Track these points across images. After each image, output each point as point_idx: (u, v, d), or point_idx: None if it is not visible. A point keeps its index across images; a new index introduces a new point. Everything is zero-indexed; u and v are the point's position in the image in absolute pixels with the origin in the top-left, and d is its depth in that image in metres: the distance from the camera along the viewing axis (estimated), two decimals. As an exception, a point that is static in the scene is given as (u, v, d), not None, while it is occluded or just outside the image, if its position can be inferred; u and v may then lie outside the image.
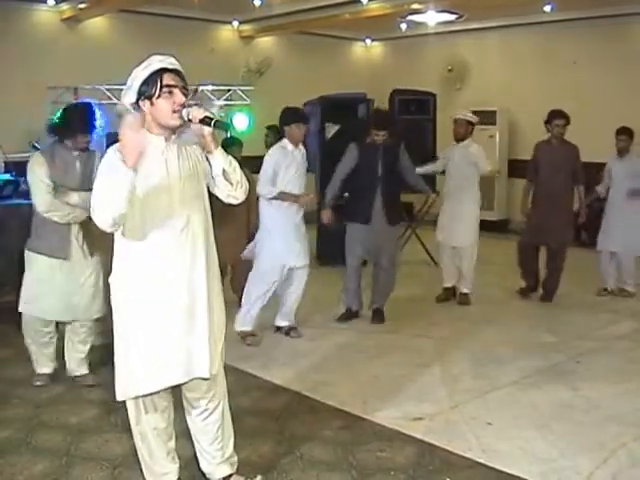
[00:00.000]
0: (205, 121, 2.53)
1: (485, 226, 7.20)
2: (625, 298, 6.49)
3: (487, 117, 9.48)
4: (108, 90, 7.40)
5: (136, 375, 2.67)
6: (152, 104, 2.56)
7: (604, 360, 4.85)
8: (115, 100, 7.11)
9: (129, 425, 2.85)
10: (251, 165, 5.03)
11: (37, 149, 5.31)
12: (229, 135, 6.17)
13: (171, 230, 2.63)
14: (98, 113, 4.00)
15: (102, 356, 4.28)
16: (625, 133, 6.42)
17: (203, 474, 3.03)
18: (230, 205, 2.85)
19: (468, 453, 3.42)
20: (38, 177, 3.94)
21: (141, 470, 2.92)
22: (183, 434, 3.06)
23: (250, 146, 6.42)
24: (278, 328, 5.34)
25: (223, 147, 2.70)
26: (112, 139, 2.64)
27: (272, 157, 4.99)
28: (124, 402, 2.79)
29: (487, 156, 6.31)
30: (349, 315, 5.72)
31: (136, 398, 2.75)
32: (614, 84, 9.16)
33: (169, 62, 2.59)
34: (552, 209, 6.09)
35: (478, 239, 6.26)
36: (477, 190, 6.22)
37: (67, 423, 3.74)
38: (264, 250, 5.05)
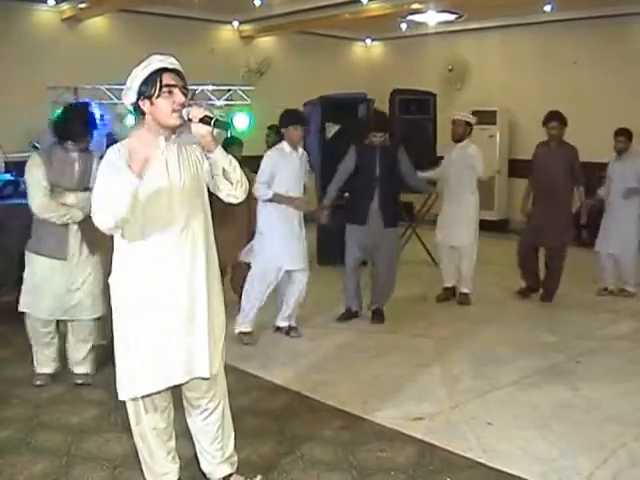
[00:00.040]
0: (205, 120, 2.52)
1: (485, 226, 7.20)
2: (625, 298, 6.49)
3: (487, 117, 9.51)
4: (108, 90, 7.39)
5: (136, 375, 2.67)
6: (152, 104, 2.55)
7: (604, 360, 4.85)
8: (115, 100, 7.12)
9: (129, 425, 2.85)
10: (251, 165, 5.04)
11: (37, 149, 5.31)
12: (229, 135, 6.18)
13: (171, 230, 2.63)
14: (97, 113, 4.00)
15: (102, 356, 4.28)
16: (624, 134, 6.41)
17: (203, 474, 3.03)
18: (230, 205, 2.84)
19: (468, 453, 3.42)
20: (35, 179, 3.93)
21: (141, 470, 2.92)
22: (183, 434, 3.06)
23: (250, 146, 6.43)
24: (278, 328, 5.34)
25: (223, 147, 2.70)
26: (112, 139, 2.63)
27: (269, 159, 5.00)
28: (124, 402, 2.79)
29: (487, 156, 6.32)
30: (349, 315, 5.72)
31: (136, 398, 2.75)
32: (614, 84, 9.16)
33: (169, 62, 2.59)
34: (551, 210, 6.09)
35: (478, 239, 6.26)
36: (475, 190, 6.22)
37: (67, 423, 3.74)
38: (260, 251, 5.06)
